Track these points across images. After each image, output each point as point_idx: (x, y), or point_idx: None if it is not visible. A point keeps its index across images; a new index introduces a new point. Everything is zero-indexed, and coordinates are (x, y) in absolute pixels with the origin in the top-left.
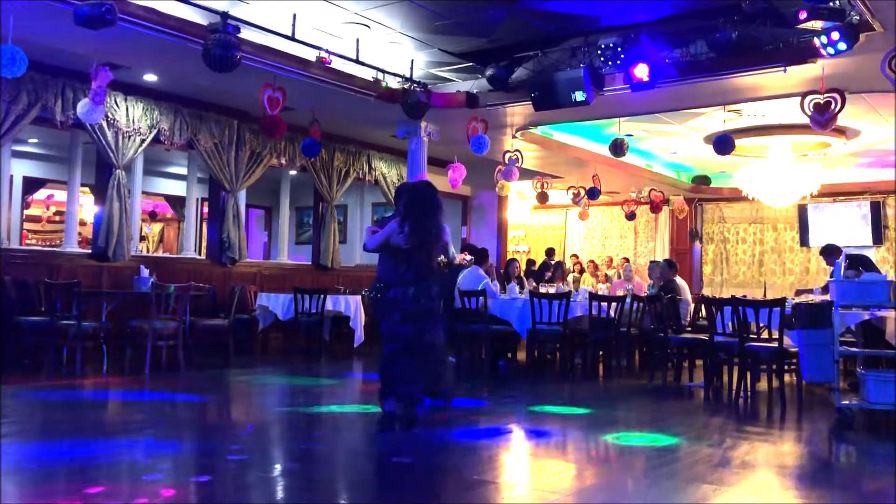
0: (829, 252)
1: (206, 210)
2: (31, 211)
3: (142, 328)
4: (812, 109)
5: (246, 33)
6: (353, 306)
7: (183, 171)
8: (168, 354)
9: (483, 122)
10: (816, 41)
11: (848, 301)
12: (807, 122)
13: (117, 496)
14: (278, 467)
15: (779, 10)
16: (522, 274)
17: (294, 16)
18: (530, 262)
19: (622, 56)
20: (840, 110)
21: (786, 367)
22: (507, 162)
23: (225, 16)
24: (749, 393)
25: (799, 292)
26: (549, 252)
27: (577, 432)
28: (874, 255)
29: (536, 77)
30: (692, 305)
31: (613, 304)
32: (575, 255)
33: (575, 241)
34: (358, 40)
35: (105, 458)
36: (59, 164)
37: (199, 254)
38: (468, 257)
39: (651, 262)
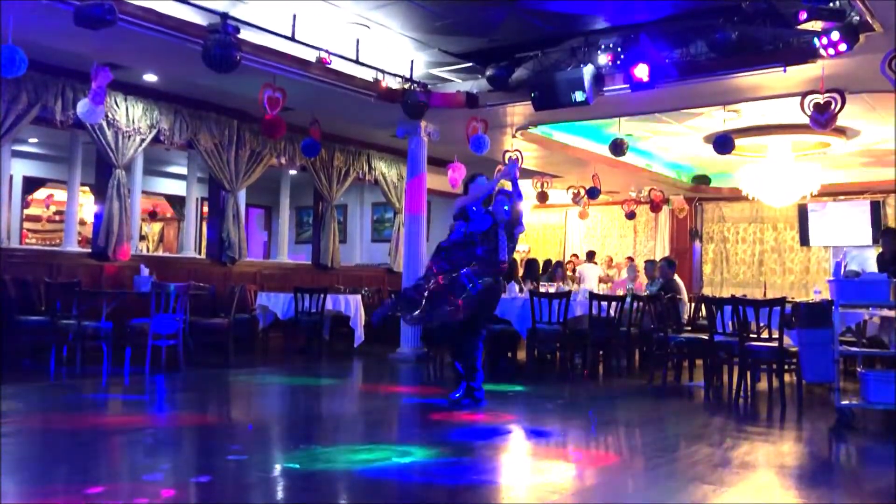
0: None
1: (206, 210)
2: (31, 211)
3: (142, 328)
4: (812, 109)
5: (246, 33)
6: (353, 306)
7: (183, 170)
8: (168, 354)
9: (483, 122)
10: (816, 41)
11: (848, 301)
12: (807, 122)
13: (117, 496)
14: (278, 467)
15: (779, 10)
16: (520, 275)
17: (294, 16)
18: (531, 262)
19: (622, 56)
20: (840, 110)
21: (786, 367)
22: (507, 162)
23: (225, 16)
24: (749, 393)
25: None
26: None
27: (577, 432)
28: (874, 254)
29: (536, 77)
30: (688, 304)
31: (613, 304)
32: (575, 255)
33: (575, 240)
34: (358, 40)
35: (105, 458)
36: (59, 163)
37: (199, 253)
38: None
39: (647, 261)
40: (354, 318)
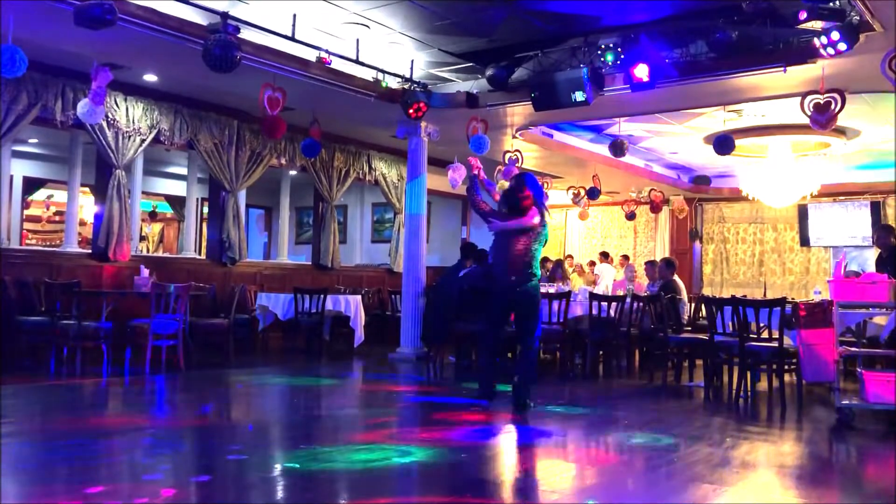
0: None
1: (206, 210)
2: (31, 211)
3: (142, 328)
4: (812, 109)
5: (246, 33)
6: (353, 306)
7: (183, 171)
8: (168, 354)
9: (483, 122)
10: (816, 41)
11: (848, 301)
12: (807, 122)
13: (117, 496)
14: (278, 467)
15: (779, 10)
16: None
17: (294, 16)
18: None
19: (622, 56)
20: (840, 110)
21: (786, 367)
22: (507, 162)
23: (225, 16)
24: (749, 393)
25: None
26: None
27: (577, 432)
28: (874, 255)
29: (536, 77)
30: (688, 305)
31: (613, 304)
32: (570, 256)
33: (575, 241)
34: (358, 40)
35: (105, 458)
36: (59, 164)
37: (199, 254)
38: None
39: (647, 262)
40: (354, 318)
